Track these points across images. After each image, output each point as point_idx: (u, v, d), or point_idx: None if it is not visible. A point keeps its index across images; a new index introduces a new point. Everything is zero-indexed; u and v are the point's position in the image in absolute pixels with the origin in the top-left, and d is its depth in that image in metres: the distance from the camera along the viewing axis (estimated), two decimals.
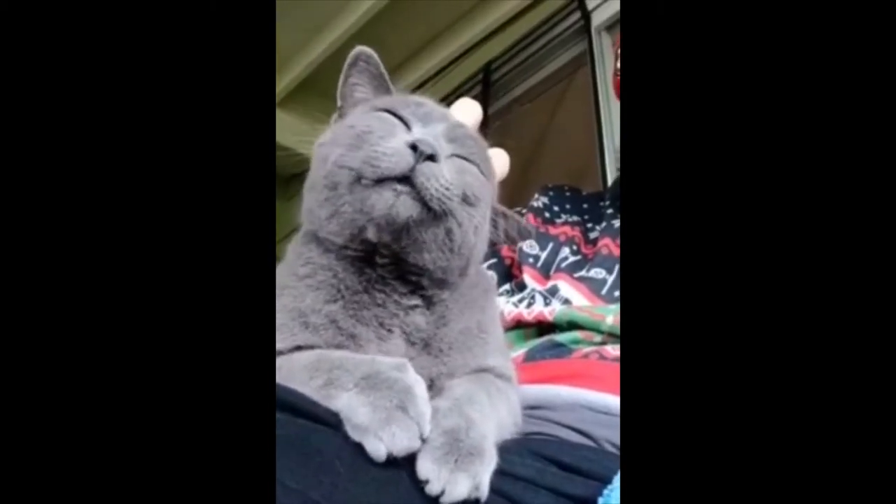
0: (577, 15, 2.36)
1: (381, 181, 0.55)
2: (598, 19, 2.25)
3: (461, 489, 0.44)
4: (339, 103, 0.71)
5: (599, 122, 2.05)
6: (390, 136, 0.58)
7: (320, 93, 3.44)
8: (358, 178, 0.56)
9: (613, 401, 0.74)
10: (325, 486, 0.42)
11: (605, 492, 0.48)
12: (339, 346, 0.58)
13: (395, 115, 0.62)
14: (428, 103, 0.66)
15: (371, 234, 0.57)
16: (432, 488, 0.44)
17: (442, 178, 0.56)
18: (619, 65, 1.22)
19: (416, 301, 0.61)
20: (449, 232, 0.58)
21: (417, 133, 0.59)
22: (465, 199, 0.59)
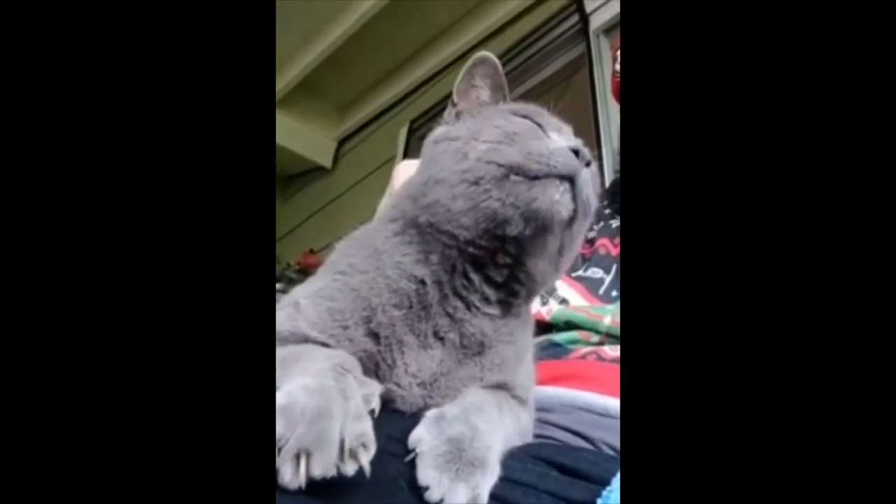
0: (576, 18, 2.37)
1: (542, 178, 0.57)
2: (596, 22, 2.25)
3: (460, 499, 0.44)
4: (454, 99, 0.72)
5: (597, 125, 2.06)
6: (544, 139, 0.60)
7: (317, 95, 3.45)
8: (507, 175, 0.57)
9: (611, 403, 0.74)
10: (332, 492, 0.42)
11: (604, 493, 0.47)
12: (381, 351, 0.58)
13: (531, 120, 0.63)
14: (549, 116, 0.67)
15: (513, 228, 0.57)
16: (432, 495, 0.44)
17: (592, 186, 0.60)
18: (618, 67, 1.22)
19: (494, 311, 0.62)
20: (562, 247, 0.61)
21: (564, 140, 0.62)
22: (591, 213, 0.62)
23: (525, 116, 0.63)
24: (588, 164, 0.59)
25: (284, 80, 3.18)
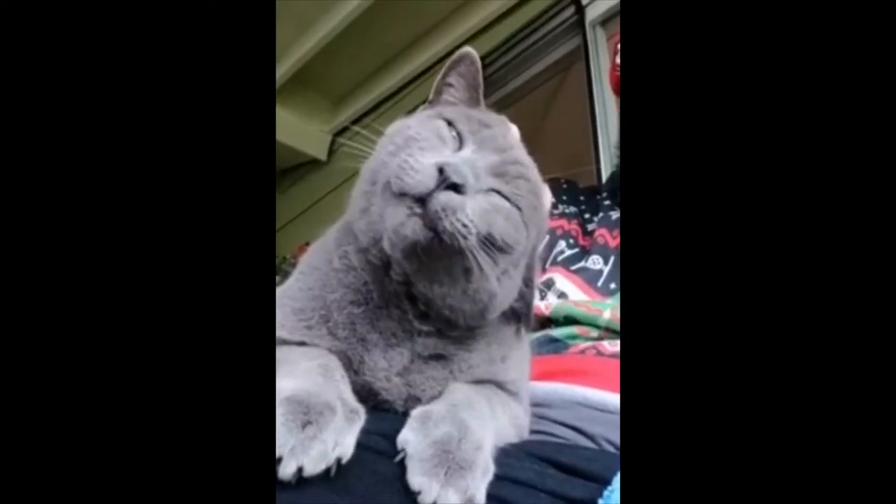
0: (572, 10, 2.35)
1: (402, 195, 0.52)
2: (592, 14, 2.24)
3: (453, 502, 0.43)
4: (430, 97, 0.70)
5: (594, 117, 2.04)
6: (429, 151, 0.55)
7: (312, 87, 3.42)
8: (389, 184, 0.54)
9: (611, 398, 0.74)
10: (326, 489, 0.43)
11: (605, 493, 0.46)
12: (347, 349, 0.57)
13: (455, 128, 0.58)
14: (497, 128, 0.61)
15: (386, 246, 0.55)
16: (424, 500, 0.43)
17: (461, 211, 0.51)
18: (619, 60, 1.21)
19: (427, 327, 0.59)
20: (467, 272, 0.54)
21: (461, 155, 0.56)
22: (489, 242, 0.53)
23: (450, 122, 0.59)
24: (455, 186, 0.51)
25: (279, 72, 3.16)
